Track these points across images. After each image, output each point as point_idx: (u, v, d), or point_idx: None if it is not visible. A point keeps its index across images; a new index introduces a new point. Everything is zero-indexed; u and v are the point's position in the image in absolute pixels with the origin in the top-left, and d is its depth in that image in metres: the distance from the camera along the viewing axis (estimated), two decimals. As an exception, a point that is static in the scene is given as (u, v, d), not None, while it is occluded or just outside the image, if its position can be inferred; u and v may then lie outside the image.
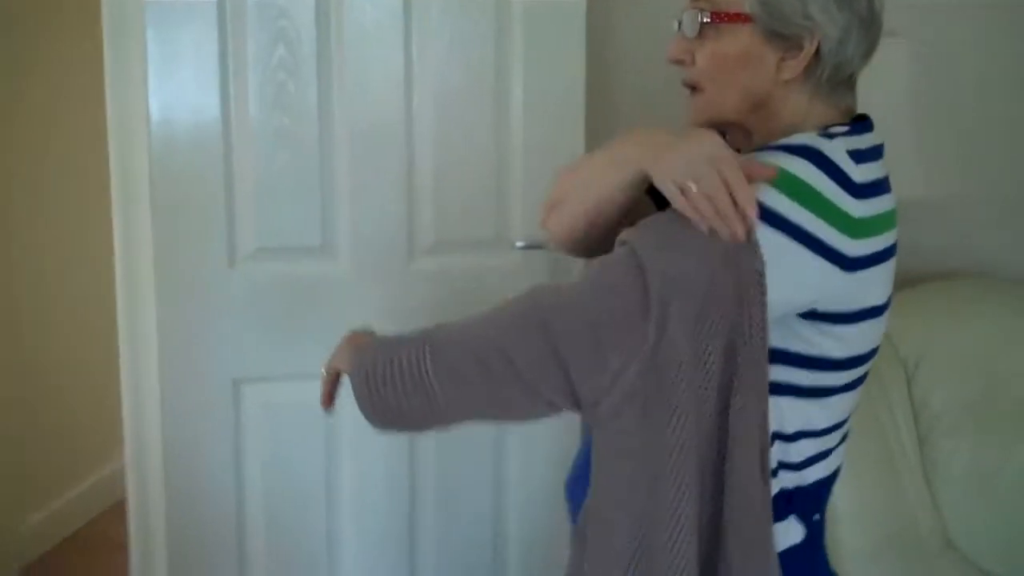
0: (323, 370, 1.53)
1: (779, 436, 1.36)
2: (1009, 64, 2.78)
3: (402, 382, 1.36)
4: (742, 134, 1.43)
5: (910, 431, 2.48)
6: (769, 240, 1.21)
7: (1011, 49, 2.78)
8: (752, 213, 1.19)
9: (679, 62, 1.42)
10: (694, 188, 1.20)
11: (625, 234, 1.29)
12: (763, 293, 1.21)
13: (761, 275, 1.21)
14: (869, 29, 1.36)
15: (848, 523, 2.24)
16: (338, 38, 2.24)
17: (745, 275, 1.21)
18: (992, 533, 2.41)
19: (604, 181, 1.37)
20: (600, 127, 2.47)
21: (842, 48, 1.34)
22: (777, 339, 1.29)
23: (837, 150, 1.28)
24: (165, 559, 2.36)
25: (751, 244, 1.20)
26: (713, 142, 1.24)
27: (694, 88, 1.43)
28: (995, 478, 2.41)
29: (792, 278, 1.24)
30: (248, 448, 2.35)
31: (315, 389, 2.32)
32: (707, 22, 1.36)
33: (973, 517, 2.42)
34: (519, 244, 2.37)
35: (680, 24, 1.41)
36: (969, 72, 2.76)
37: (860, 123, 1.40)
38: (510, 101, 2.36)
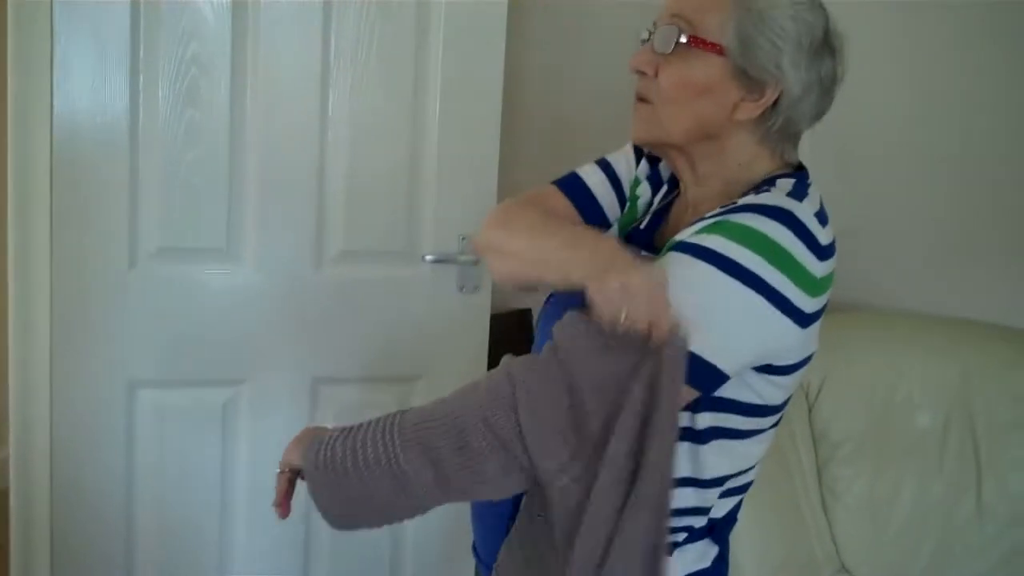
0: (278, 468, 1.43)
1: (706, 480, 1.39)
2: (912, 97, 2.84)
3: (367, 467, 1.29)
4: (683, 160, 1.43)
5: (810, 459, 2.53)
6: (744, 298, 1.23)
7: (915, 80, 2.84)
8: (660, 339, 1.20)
9: (641, 73, 1.41)
10: (622, 319, 1.20)
11: (555, 332, 1.28)
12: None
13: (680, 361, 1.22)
14: (826, 95, 1.39)
15: (747, 547, 2.25)
16: (254, 36, 2.21)
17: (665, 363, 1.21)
18: (884, 559, 2.46)
19: (552, 265, 1.32)
20: (515, 144, 2.47)
21: (799, 105, 1.36)
22: (729, 390, 1.31)
23: (806, 213, 1.29)
24: (48, 565, 2.28)
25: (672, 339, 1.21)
26: (654, 283, 1.22)
27: (646, 101, 1.41)
28: (889, 507, 2.47)
29: (760, 334, 1.27)
30: (141, 453, 2.29)
31: (214, 396, 2.32)
32: (683, 42, 1.35)
33: (867, 544, 2.48)
34: (428, 257, 2.35)
35: (651, 35, 1.40)
36: (870, 108, 2.81)
37: (801, 172, 1.42)
38: (426, 113, 2.34)
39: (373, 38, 2.28)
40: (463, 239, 2.37)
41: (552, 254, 1.33)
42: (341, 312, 2.34)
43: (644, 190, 1.58)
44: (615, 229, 1.58)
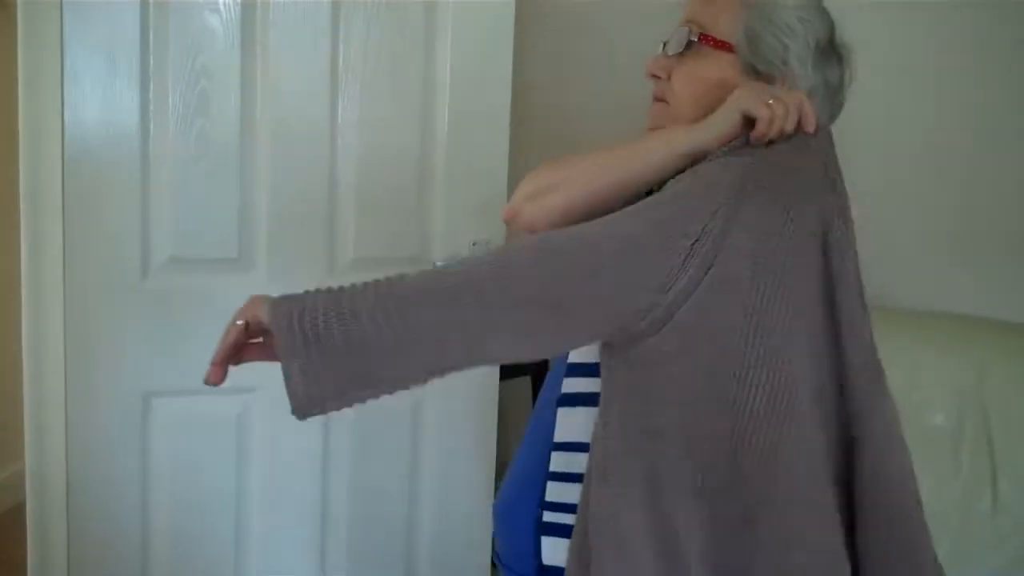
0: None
1: None
2: (918, 93, 2.83)
3: (367, 313, 1.17)
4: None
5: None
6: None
7: (914, 77, 2.84)
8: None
9: (655, 77, 1.49)
10: (771, 101, 1.33)
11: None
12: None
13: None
14: (834, 98, 1.46)
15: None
16: (263, 45, 2.22)
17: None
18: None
19: (645, 159, 1.39)
20: (523, 148, 2.47)
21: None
22: None
23: None
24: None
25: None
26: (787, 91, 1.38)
27: (664, 101, 1.50)
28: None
29: None
30: (155, 463, 2.29)
31: (227, 404, 2.32)
32: (695, 40, 1.43)
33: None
34: (439, 263, 2.35)
35: (665, 45, 1.48)
36: (875, 106, 2.80)
37: None
38: (435, 119, 2.35)
39: (381, 45, 2.29)
40: (474, 244, 2.37)
41: (627, 156, 1.41)
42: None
43: None
44: None
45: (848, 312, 1.31)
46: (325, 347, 1.16)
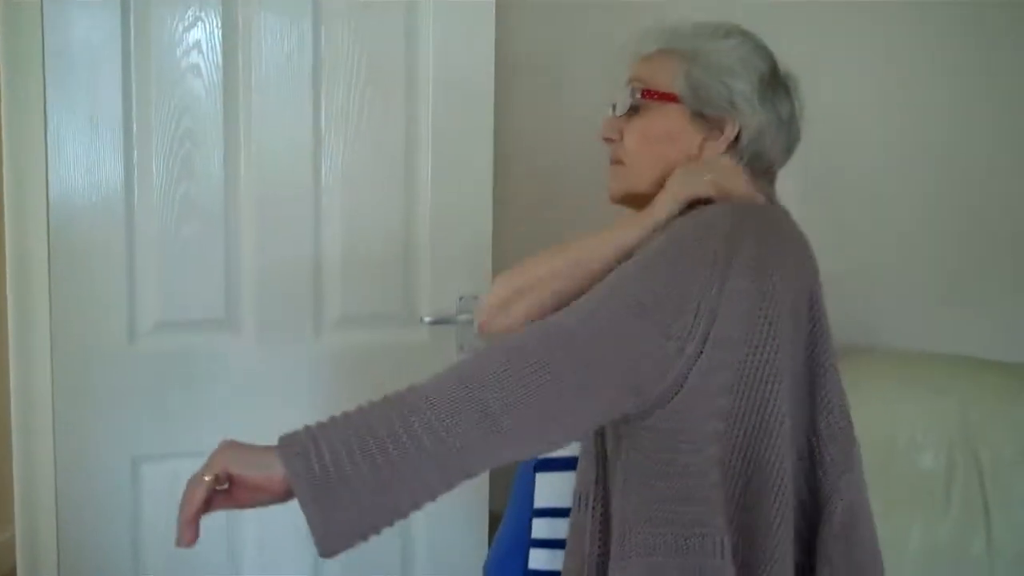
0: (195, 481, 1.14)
1: None
2: (896, 138, 2.86)
3: (393, 444, 1.08)
4: None
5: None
6: None
7: (902, 122, 2.87)
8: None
9: (609, 140, 1.51)
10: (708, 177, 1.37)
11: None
12: None
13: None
14: (788, 131, 1.47)
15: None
16: (246, 109, 2.23)
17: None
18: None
19: (600, 259, 1.41)
20: (508, 201, 2.48)
21: (761, 139, 1.43)
22: None
23: None
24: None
25: None
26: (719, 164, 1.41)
27: (621, 163, 1.51)
28: (897, 551, 2.44)
29: None
30: (147, 528, 2.28)
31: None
32: (639, 98, 1.45)
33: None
34: (427, 319, 2.36)
35: (614, 107, 1.51)
36: (858, 149, 2.83)
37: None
38: (418, 176, 2.37)
39: (363, 103, 2.31)
40: (461, 299, 2.38)
41: (597, 244, 1.43)
42: (342, 378, 2.34)
43: None
44: None
45: (827, 372, 1.35)
46: (354, 486, 1.07)
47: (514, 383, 1.09)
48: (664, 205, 1.39)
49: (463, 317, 2.37)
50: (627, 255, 1.37)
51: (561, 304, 1.36)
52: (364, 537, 1.10)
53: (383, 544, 2.39)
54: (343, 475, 1.06)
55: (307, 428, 1.11)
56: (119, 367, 2.21)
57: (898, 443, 2.51)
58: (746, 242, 1.23)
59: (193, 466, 2.18)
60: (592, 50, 2.77)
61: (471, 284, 2.39)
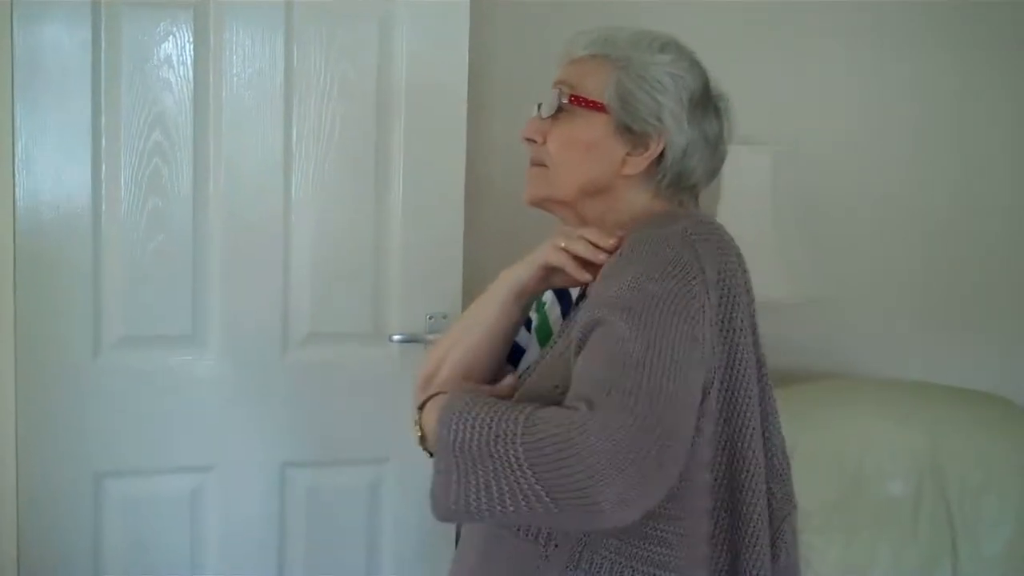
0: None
1: None
2: (869, 167, 2.88)
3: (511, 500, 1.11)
4: (574, 217, 1.46)
5: (782, 528, 2.51)
6: None
7: (874, 151, 2.89)
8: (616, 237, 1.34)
9: (531, 141, 1.47)
10: (562, 244, 1.37)
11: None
12: None
13: None
14: (714, 152, 1.44)
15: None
16: (216, 124, 2.22)
17: None
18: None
19: (494, 303, 1.44)
20: (479, 220, 2.48)
21: (686, 159, 1.40)
22: None
23: None
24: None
25: None
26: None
27: (543, 165, 1.46)
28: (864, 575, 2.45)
29: None
30: (108, 545, 2.26)
31: (181, 483, 2.29)
32: (566, 103, 1.41)
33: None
34: (396, 337, 2.35)
35: (540, 107, 1.46)
36: (831, 177, 2.85)
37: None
38: (389, 193, 2.36)
39: (335, 120, 2.30)
40: (430, 318, 2.37)
41: (479, 307, 1.48)
42: (309, 395, 2.33)
43: (552, 306, 1.59)
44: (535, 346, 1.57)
45: (770, 401, 1.36)
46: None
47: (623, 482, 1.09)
48: (523, 268, 1.43)
49: (432, 335, 2.36)
50: (510, 306, 1.43)
51: (472, 365, 1.43)
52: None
53: (347, 563, 2.39)
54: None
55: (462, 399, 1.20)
56: (83, 381, 2.19)
57: (866, 469, 2.51)
58: (709, 260, 1.26)
59: (155, 482, 2.18)
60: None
61: (441, 302, 2.38)
